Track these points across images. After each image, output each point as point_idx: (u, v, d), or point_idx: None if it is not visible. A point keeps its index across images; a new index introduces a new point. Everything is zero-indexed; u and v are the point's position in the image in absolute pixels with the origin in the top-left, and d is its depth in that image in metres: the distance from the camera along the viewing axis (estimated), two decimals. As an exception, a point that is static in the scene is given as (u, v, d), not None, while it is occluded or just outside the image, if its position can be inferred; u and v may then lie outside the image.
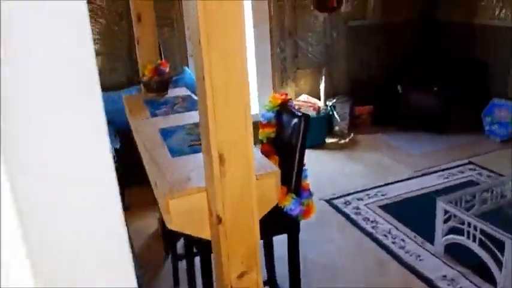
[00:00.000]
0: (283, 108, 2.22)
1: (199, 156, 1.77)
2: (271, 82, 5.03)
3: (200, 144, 1.72)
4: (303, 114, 2.04)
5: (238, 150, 1.50)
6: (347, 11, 5.08)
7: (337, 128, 5.01)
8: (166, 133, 2.37)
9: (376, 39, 5.27)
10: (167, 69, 3.19)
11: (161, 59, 3.35)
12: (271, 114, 2.21)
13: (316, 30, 5.05)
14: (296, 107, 2.35)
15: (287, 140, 2.13)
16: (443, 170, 4.07)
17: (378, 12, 5.20)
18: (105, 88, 4.47)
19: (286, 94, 2.26)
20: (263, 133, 2.22)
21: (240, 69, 1.42)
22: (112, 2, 4.30)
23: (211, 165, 1.51)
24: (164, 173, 1.92)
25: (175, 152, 2.09)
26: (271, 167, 1.84)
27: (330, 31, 5.10)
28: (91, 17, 4.26)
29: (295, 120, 2.07)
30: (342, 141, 4.95)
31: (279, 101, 2.19)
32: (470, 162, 4.19)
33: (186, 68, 4.54)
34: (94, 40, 4.36)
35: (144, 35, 3.17)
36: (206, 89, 1.40)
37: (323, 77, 4.96)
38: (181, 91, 3.30)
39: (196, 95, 1.77)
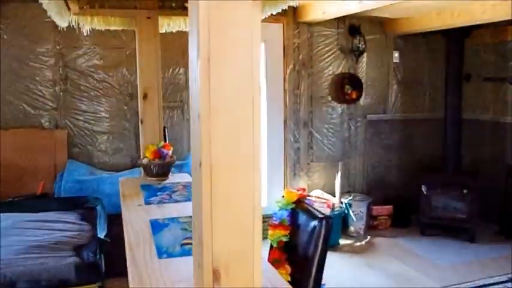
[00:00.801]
0: (300, 206, 1.84)
1: (192, 261, 1.38)
2: (282, 174, 4.70)
3: (194, 245, 1.34)
4: (325, 216, 1.65)
5: (241, 265, 1.10)
6: (366, 104, 4.89)
7: (352, 228, 4.57)
8: (157, 226, 1.99)
9: (397, 134, 5.04)
10: (169, 153, 2.88)
11: (165, 141, 3.06)
12: (284, 213, 1.83)
13: (333, 121, 4.83)
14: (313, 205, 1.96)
15: (303, 247, 1.72)
16: (478, 287, 3.53)
17: (399, 107, 5.02)
18: (107, 168, 4.23)
19: (304, 189, 1.90)
20: (274, 235, 1.82)
21: (251, 155, 1.07)
22: (124, 82, 4.16)
23: (203, 282, 1.10)
24: (144, 281, 1.51)
25: (163, 253, 1.70)
26: (283, 284, 1.42)
27: (348, 124, 4.88)
28: (102, 95, 4.10)
29: (314, 222, 1.68)
30: (358, 243, 4.49)
31: (295, 198, 1.82)
32: (511, 280, 3.65)
33: (193, 153, 4.25)
34: (103, 118, 4.20)
35: (148, 114, 2.92)
36: (202, 178, 1.04)
37: (339, 172, 4.63)
38: (183, 177, 2.98)
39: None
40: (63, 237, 2.55)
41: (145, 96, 2.90)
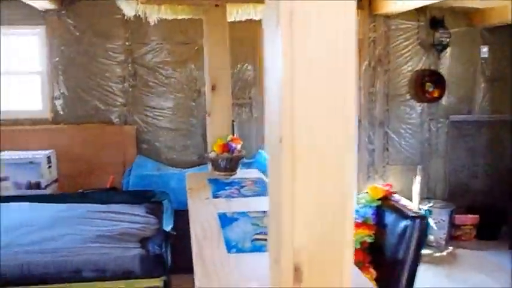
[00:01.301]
0: (386, 204, 1.60)
1: (266, 257, 1.21)
2: (355, 177, 4.43)
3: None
4: (419, 215, 1.41)
5: (326, 262, 0.90)
6: (449, 103, 4.49)
7: (432, 237, 4.22)
8: (225, 219, 1.85)
9: (483, 137, 4.62)
10: (238, 147, 2.74)
11: (233, 135, 2.93)
12: (368, 211, 1.60)
13: (412, 121, 4.49)
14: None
15: (391, 249, 1.49)
16: None
17: (487, 107, 4.56)
18: (174, 165, 4.19)
19: (391, 185, 1.65)
20: (356, 235, 1.61)
21: (344, 131, 0.88)
22: (191, 78, 4.11)
23: (281, 281, 0.92)
24: (211, 279, 1.35)
25: (232, 247, 1.55)
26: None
27: (428, 124, 4.53)
28: (170, 91, 4.07)
29: (406, 222, 1.44)
30: (438, 254, 4.16)
31: (381, 194, 1.59)
32: None
33: (262, 152, 4.11)
34: (170, 115, 4.14)
35: (217, 107, 2.80)
36: (283, 156, 0.85)
37: (418, 176, 4.28)
38: (252, 173, 2.85)
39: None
40: (130, 229, 2.49)
41: (213, 88, 2.79)
